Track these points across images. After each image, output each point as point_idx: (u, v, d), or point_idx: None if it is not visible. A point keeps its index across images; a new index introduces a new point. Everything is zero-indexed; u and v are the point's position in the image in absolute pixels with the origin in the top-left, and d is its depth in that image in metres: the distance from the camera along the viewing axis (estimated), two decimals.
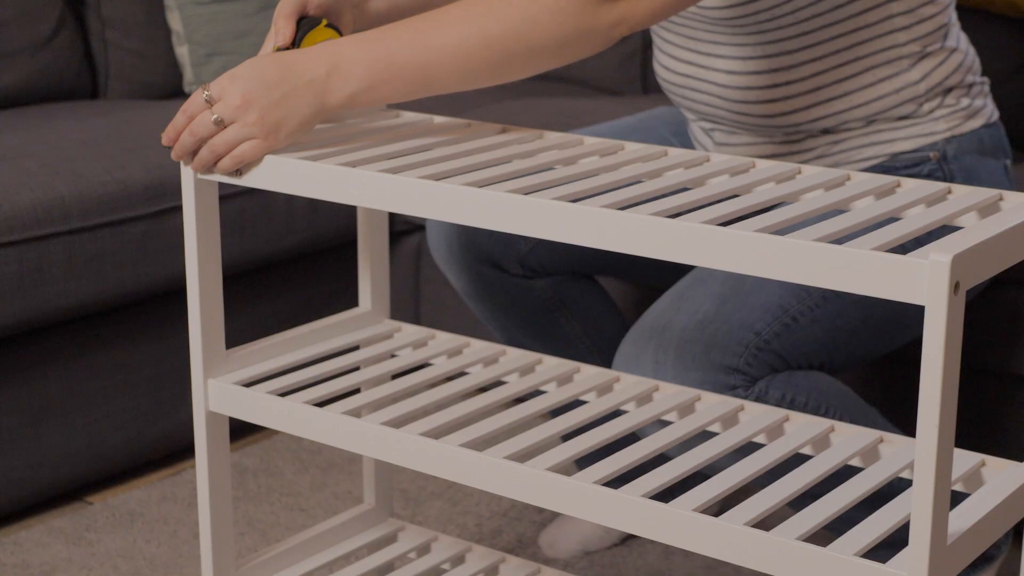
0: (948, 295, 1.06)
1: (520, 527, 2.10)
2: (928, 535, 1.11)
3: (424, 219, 2.57)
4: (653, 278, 1.94)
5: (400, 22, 1.43)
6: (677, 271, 1.87)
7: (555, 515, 2.12)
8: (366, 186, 1.35)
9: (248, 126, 1.38)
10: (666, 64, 1.77)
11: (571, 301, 1.92)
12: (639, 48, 2.95)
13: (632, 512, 1.26)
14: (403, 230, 2.61)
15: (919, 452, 1.10)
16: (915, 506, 1.11)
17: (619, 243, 1.21)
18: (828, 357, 1.66)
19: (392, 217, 2.58)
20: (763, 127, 1.71)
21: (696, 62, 1.72)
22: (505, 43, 1.40)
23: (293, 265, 2.47)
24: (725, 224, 1.30)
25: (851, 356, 1.69)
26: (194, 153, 1.42)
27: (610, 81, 2.97)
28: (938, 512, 1.11)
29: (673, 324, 1.59)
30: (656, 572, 1.97)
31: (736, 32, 1.66)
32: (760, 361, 1.58)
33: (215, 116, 1.39)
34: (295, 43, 1.51)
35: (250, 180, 1.42)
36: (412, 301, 2.64)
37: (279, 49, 1.50)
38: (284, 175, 1.40)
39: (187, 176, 1.47)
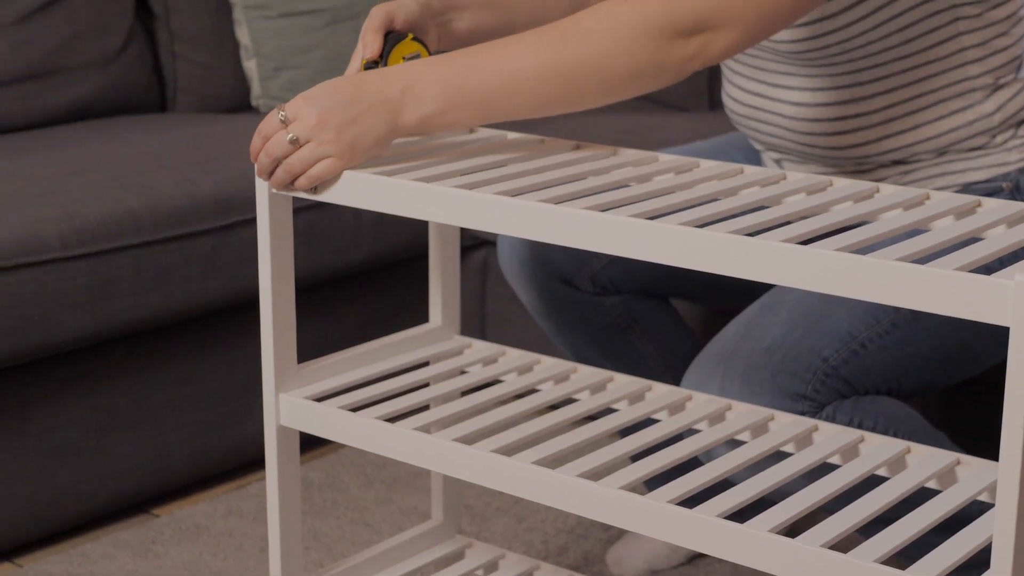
0: None
1: (587, 544, 2.10)
2: (1010, 559, 1.09)
3: (492, 234, 2.57)
4: (725, 301, 1.93)
5: (476, 47, 1.43)
6: (749, 295, 1.86)
7: (621, 533, 2.11)
8: (441, 202, 1.35)
9: (324, 144, 1.38)
10: (734, 95, 1.76)
11: (643, 319, 1.91)
12: None
13: (707, 532, 1.25)
14: (469, 245, 2.61)
15: (1002, 474, 1.08)
16: (997, 530, 1.09)
17: (698, 261, 1.20)
18: (897, 384, 1.64)
19: (460, 231, 2.58)
20: (832, 158, 1.70)
21: (765, 93, 1.71)
22: (578, 73, 1.40)
23: (360, 279, 2.47)
24: (805, 243, 1.29)
25: (920, 384, 1.67)
26: (272, 173, 1.43)
27: (676, 97, 2.96)
28: (1020, 536, 1.09)
29: (740, 351, 1.58)
30: None
31: (806, 64, 1.65)
32: (828, 387, 1.57)
33: (291, 135, 1.39)
34: (383, 56, 1.51)
35: (327, 196, 1.43)
36: (478, 317, 2.64)
37: (367, 62, 1.51)
38: (360, 191, 1.40)
39: (262, 190, 1.47)
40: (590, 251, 1.81)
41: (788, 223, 1.39)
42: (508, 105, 1.42)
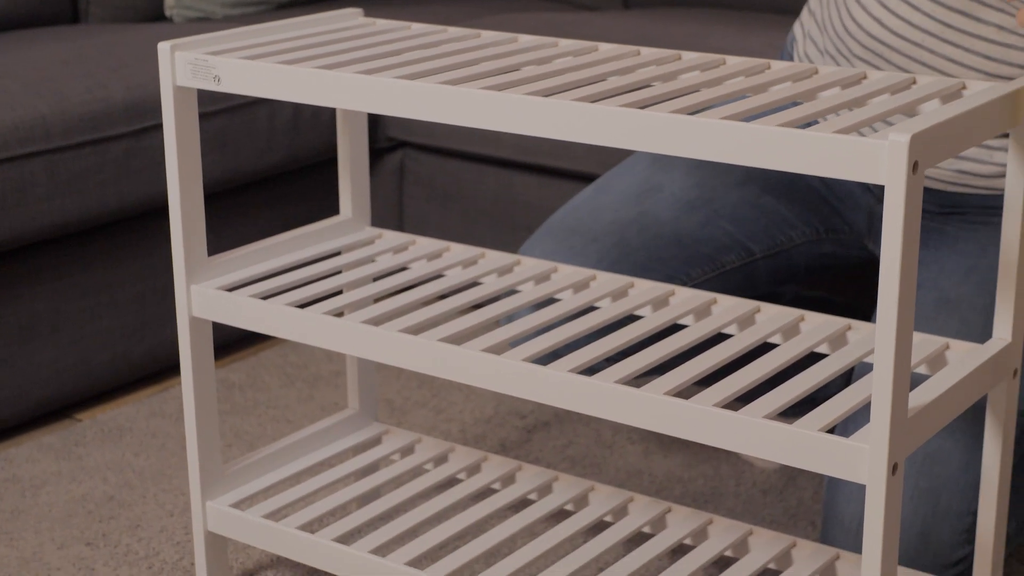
0: (907, 174, 1.09)
1: (503, 432, 2.14)
2: (888, 409, 1.14)
3: (408, 136, 2.59)
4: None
5: None
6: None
7: (538, 421, 2.16)
8: (345, 87, 1.38)
9: None
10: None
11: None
12: None
13: (561, 387, 1.30)
14: (386, 147, 2.63)
15: (880, 331, 1.13)
16: (876, 382, 1.14)
17: (584, 135, 1.24)
18: None
19: (375, 134, 2.60)
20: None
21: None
22: None
23: (275, 182, 2.49)
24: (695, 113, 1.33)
25: None
26: None
27: None
28: (898, 387, 1.14)
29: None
30: (636, 471, 2.01)
31: None
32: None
33: None
34: None
35: (228, 85, 1.45)
36: (396, 218, 2.67)
37: None
38: (262, 79, 1.43)
39: (166, 82, 1.50)
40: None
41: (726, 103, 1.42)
42: None
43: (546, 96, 1.28)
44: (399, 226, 2.68)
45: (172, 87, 1.50)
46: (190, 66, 1.48)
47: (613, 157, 2.31)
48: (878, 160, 1.10)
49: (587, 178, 2.40)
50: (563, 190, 2.44)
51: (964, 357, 1.32)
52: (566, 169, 2.41)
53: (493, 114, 1.28)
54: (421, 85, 1.32)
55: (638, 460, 2.04)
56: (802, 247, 1.82)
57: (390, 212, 2.66)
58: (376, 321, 1.50)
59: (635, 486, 1.96)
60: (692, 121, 1.18)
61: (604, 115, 1.22)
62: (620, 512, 1.64)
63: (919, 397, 1.23)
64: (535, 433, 2.14)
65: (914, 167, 1.09)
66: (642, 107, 1.26)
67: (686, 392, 2.07)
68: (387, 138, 2.62)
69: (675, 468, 2.02)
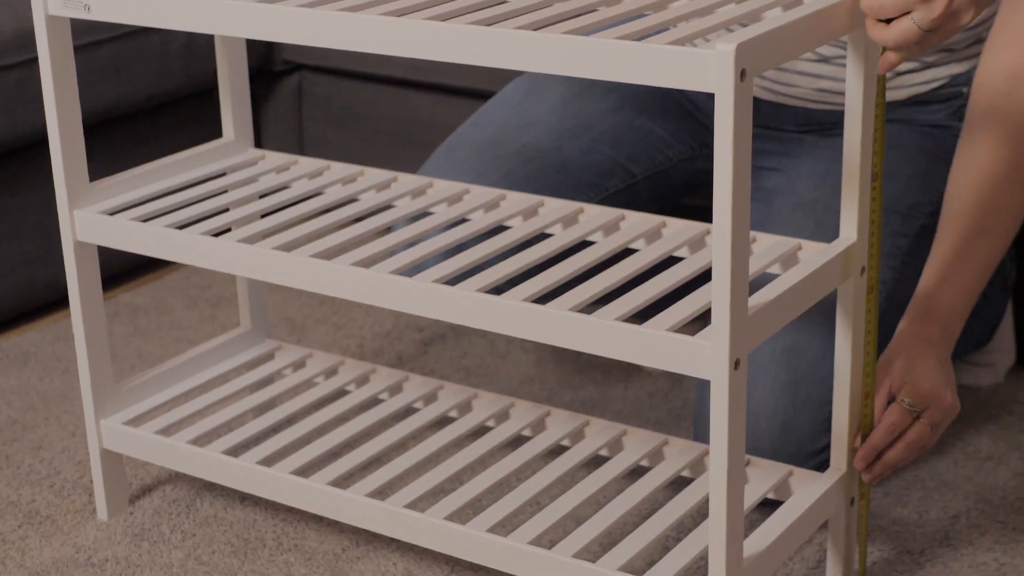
0: (735, 82, 1.14)
1: (400, 346, 2.20)
2: (727, 308, 1.20)
3: (305, 59, 2.62)
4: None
5: None
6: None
7: (435, 335, 2.21)
8: (210, 12, 1.41)
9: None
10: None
11: None
12: None
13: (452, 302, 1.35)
14: (283, 70, 2.66)
15: (716, 234, 1.18)
16: (715, 283, 1.20)
17: (439, 52, 1.28)
18: None
19: (271, 57, 2.63)
20: None
21: None
22: None
23: (171, 108, 2.52)
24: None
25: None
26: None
27: None
28: (736, 287, 1.20)
29: (759, 442, 1.63)
30: (527, 379, 2.07)
31: None
32: None
33: None
34: None
35: (99, 13, 1.48)
36: (296, 140, 2.70)
37: None
38: (129, 7, 1.46)
39: (38, 12, 1.52)
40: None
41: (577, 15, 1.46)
42: None
43: (399, 16, 1.32)
44: (300, 150, 2.71)
45: (44, 17, 1.53)
46: None
47: (504, 74, 2.35)
48: (707, 69, 1.15)
49: (479, 95, 2.44)
50: (458, 107, 2.48)
51: (812, 257, 1.38)
52: (459, 87, 2.45)
53: (349, 35, 1.33)
54: (277, 8, 1.36)
55: (530, 368, 2.10)
56: (679, 165, 1.89)
57: (290, 136, 2.69)
58: (256, 239, 1.54)
59: (525, 393, 2.02)
60: (533, 36, 1.23)
61: (450, 33, 1.26)
62: (502, 416, 1.70)
63: (762, 296, 1.29)
64: (431, 346, 2.19)
65: (742, 75, 1.14)
66: (489, 24, 1.30)
67: (547, 299, 2.13)
68: (283, 61, 2.65)
69: (566, 375, 2.08)
